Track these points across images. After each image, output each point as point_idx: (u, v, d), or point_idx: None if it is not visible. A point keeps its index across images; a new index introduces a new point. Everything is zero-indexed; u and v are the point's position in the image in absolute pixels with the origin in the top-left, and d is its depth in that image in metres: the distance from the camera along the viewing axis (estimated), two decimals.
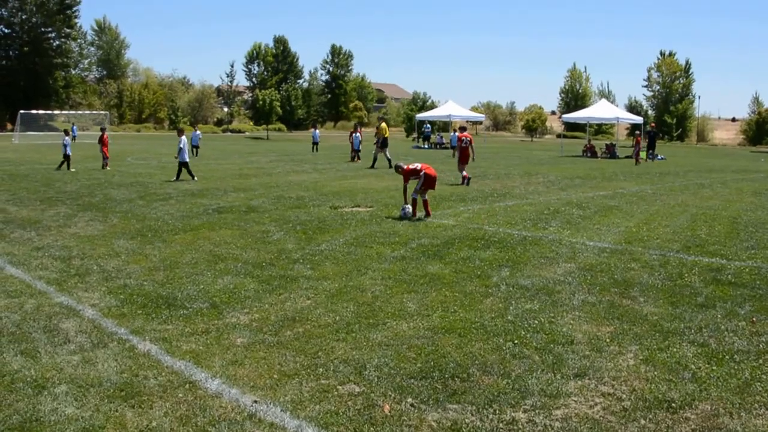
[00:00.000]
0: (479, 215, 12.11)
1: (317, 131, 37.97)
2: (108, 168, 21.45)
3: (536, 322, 5.74)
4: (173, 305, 6.10)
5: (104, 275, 7.24)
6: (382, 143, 23.97)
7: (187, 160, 18.36)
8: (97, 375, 4.49)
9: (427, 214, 11.58)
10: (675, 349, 5.12)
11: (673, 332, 5.53)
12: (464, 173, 18.11)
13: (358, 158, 27.71)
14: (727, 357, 4.98)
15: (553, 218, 11.81)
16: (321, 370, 4.62)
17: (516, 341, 5.24)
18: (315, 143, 36.52)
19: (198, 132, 31.15)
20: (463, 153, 18.43)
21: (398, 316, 5.84)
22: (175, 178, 18.11)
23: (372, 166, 23.72)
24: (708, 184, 20.22)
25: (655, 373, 4.65)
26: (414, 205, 11.50)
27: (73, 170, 21.04)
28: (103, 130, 22.85)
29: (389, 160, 23.14)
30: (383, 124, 24.67)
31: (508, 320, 5.77)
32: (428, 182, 11.54)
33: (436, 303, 6.28)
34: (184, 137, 18.45)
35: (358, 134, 28.55)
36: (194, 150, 29.32)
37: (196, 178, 18.10)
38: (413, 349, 5.04)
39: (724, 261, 8.40)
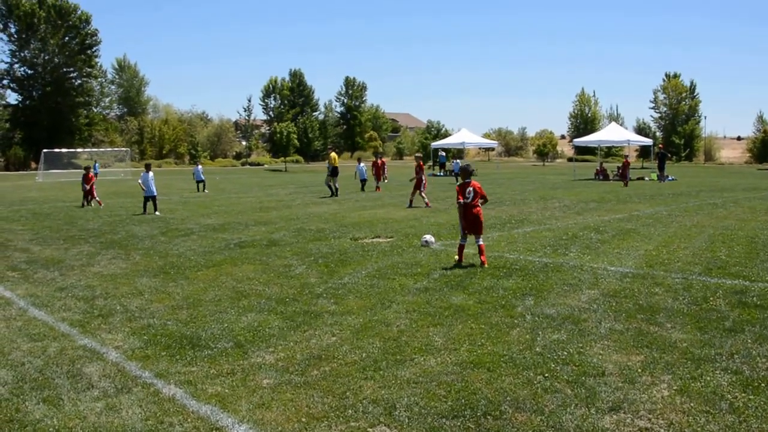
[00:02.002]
0: (499, 242, 12.02)
1: None
2: (92, 206, 21.63)
3: (565, 353, 5.63)
4: (197, 345, 6.08)
5: (127, 315, 7.25)
6: (333, 172, 25.22)
7: (155, 194, 19.43)
8: (121, 423, 4.43)
9: (459, 261, 9.83)
10: (709, 378, 4.99)
11: (705, 359, 5.40)
12: (425, 199, 20.22)
13: (377, 188, 28.01)
14: (763, 385, 4.84)
15: (572, 243, 11.70)
16: (350, 411, 4.54)
17: (546, 374, 5.13)
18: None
19: (200, 167, 31.82)
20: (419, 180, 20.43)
21: (425, 351, 5.76)
22: (144, 212, 19.09)
23: (332, 195, 24.71)
24: (721, 203, 20.06)
25: (692, 404, 4.52)
26: (459, 251, 9.92)
27: (92, 206, 21.76)
28: (87, 169, 23.24)
29: (336, 189, 24.87)
30: (333, 154, 26.10)
31: (536, 352, 5.67)
32: (467, 218, 9.75)
33: (462, 336, 6.19)
34: (151, 173, 19.67)
35: (362, 165, 29.22)
36: (199, 185, 29.93)
37: (147, 213, 18.98)
38: (443, 386, 4.95)
39: (748, 282, 8.26)
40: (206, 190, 29.25)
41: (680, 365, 5.28)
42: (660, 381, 4.96)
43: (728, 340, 5.89)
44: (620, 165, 38.84)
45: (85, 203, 21.93)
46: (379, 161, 29.69)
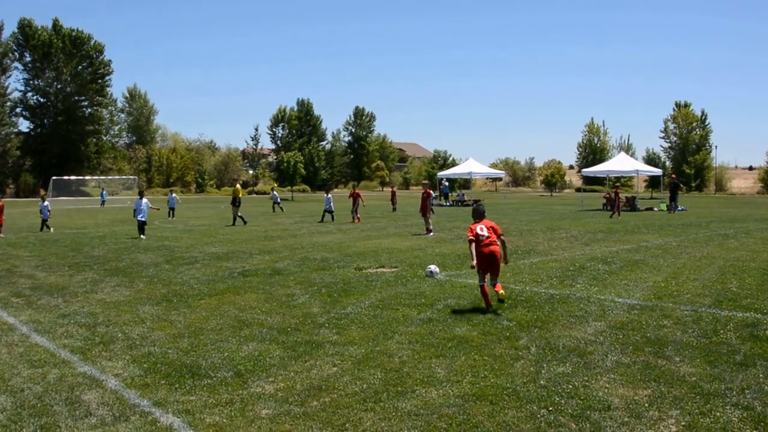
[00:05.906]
0: (504, 273, 11.90)
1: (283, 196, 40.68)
2: (2, 236, 20.87)
3: (570, 386, 5.53)
4: (197, 374, 6.01)
5: (128, 343, 7.21)
6: (237, 202, 25.98)
7: (145, 219, 20.28)
8: None
9: (487, 305, 8.57)
10: (718, 414, 4.86)
11: (714, 394, 5.27)
12: (428, 225, 20.77)
13: (356, 219, 27.10)
14: None
15: (579, 275, 11.60)
16: None
17: (550, 408, 5.02)
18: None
19: (174, 195, 33.08)
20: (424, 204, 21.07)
21: (427, 383, 5.67)
22: (139, 236, 20.13)
23: (233, 224, 25.68)
24: (732, 234, 19.86)
25: None
26: (483, 294, 8.63)
27: (52, 230, 22.82)
28: None
29: (242, 218, 25.98)
30: (238, 185, 27.03)
31: (540, 385, 5.57)
32: (482, 261, 8.61)
33: (465, 368, 6.10)
34: (145, 199, 20.49)
35: (329, 195, 28.66)
36: (170, 212, 31.35)
37: (144, 237, 19.93)
38: (444, 418, 4.85)
39: (760, 315, 8.12)
40: (174, 218, 30.61)
41: (689, 400, 5.16)
42: (668, 416, 4.84)
43: (739, 375, 5.77)
44: (629, 196, 38.98)
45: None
46: (355, 192, 28.57)
